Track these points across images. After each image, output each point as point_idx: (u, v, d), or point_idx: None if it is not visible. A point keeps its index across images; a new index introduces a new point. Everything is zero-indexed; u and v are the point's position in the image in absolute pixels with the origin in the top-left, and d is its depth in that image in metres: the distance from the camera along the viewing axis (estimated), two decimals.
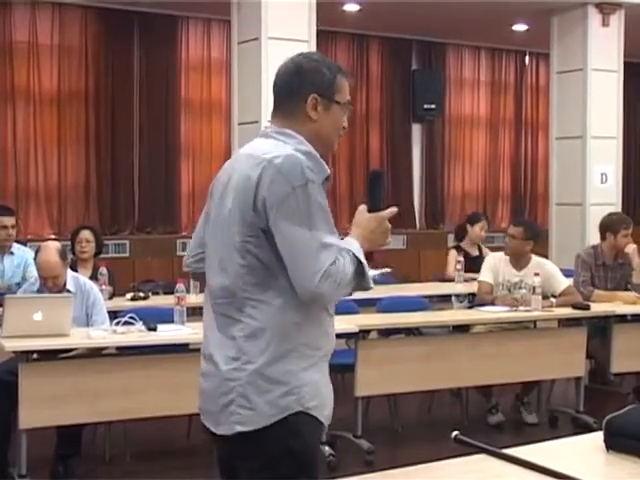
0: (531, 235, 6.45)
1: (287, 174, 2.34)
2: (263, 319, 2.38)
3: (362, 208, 2.53)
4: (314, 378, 2.44)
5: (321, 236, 2.32)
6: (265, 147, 2.45)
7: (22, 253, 6.76)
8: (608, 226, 6.81)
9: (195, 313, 5.55)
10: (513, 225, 6.66)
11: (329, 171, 2.45)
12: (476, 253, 7.90)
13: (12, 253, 6.73)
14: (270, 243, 2.36)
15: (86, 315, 5.35)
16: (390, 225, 2.55)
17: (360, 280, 2.38)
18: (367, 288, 2.43)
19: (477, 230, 7.95)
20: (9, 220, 6.77)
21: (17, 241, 6.95)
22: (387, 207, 2.54)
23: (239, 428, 2.37)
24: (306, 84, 2.50)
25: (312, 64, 2.53)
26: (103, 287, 6.14)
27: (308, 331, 2.43)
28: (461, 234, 8.08)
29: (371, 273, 2.43)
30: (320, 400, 2.45)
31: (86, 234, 6.67)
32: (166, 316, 5.38)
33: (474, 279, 7.12)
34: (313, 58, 2.57)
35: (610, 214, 7.21)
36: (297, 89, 2.51)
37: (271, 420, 2.36)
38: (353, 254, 2.37)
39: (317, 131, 2.52)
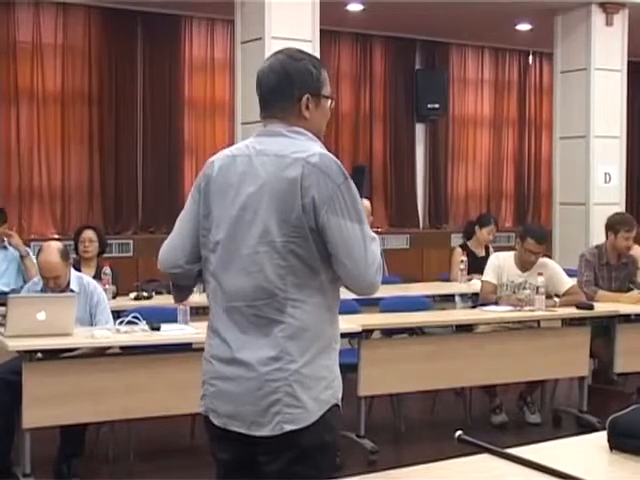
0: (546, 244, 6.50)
1: (329, 172, 2.39)
2: (304, 318, 2.40)
3: None
4: (338, 370, 2.52)
5: (368, 229, 2.42)
6: (288, 146, 2.45)
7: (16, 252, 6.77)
8: (609, 225, 6.79)
9: (198, 313, 5.56)
10: (537, 243, 6.37)
11: None
12: (482, 254, 7.85)
13: (5, 247, 6.72)
14: (316, 242, 2.38)
15: (90, 315, 5.35)
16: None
17: None
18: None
19: (485, 234, 7.93)
20: None
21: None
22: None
23: (288, 427, 2.38)
24: (297, 86, 2.51)
25: (299, 64, 2.53)
26: (107, 286, 6.14)
27: (335, 326, 2.52)
28: (469, 233, 8.06)
29: None
30: (341, 389, 2.53)
31: (89, 234, 6.68)
32: (169, 316, 5.38)
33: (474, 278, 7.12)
34: (297, 57, 2.55)
35: (616, 214, 7.18)
36: (289, 92, 2.51)
37: (317, 416, 2.40)
38: None
39: (311, 127, 2.54)
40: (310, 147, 2.44)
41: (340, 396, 2.50)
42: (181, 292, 2.71)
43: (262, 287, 2.41)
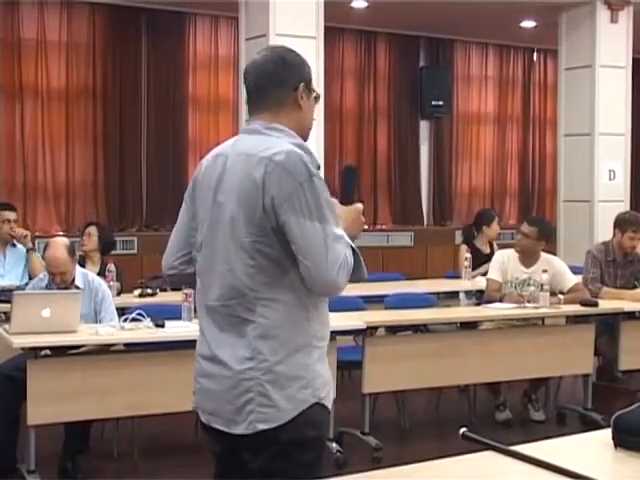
0: (544, 235, 6.44)
1: (292, 170, 2.36)
2: (276, 317, 2.40)
3: (335, 201, 2.54)
4: (323, 368, 2.50)
5: (332, 228, 2.37)
6: (260, 144, 2.45)
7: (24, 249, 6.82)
8: (618, 223, 6.81)
9: None
10: (527, 224, 6.54)
11: (318, 161, 2.50)
12: (488, 251, 7.84)
13: (14, 245, 6.77)
14: (280, 241, 2.38)
15: (94, 312, 5.36)
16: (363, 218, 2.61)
17: (357, 270, 2.42)
18: (363, 278, 2.48)
19: (495, 227, 7.92)
20: (11, 214, 6.83)
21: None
22: (359, 200, 2.63)
23: (261, 426, 2.39)
24: (295, 74, 2.54)
25: (294, 56, 2.57)
26: (111, 283, 6.15)
27: (316, 324, 2.48)
28: (470, 236, 7.99)
29: None
30: (328, 388, 2.52)
31: (90, 229, 6.73)
32: (174, 313, 5.38)
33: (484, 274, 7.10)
34: (291, 50, 2.59)
35: (626, 213, 7.25)
36: (287, 79, 2.53)
37: (291, 415, 2.40)
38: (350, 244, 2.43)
39: (302, 119, 2.56)
40: (280, 144, 2.43)
41: (324, 395, 2.48)
42: None
43: (234, 286, 2.42)
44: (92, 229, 6.73)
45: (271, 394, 2.39)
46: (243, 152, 2.47)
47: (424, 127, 12.75)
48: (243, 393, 2.40)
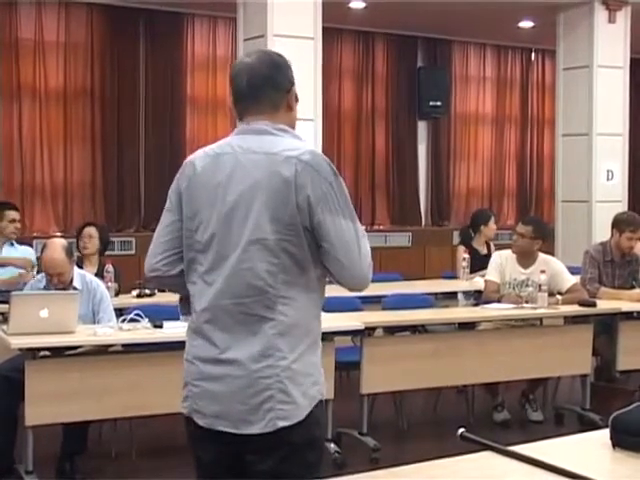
0: (540, 234, 6.43)
1: (320, 170, 2.41)
2: (294, 315, 2.42)
3: None
4: (321, 366, 2.53)
5: (359, 225, 2.46)
6: (275, 144, 2.45)
7: (22, 249, 6.83)
8: (615, 223, 6.82)
9: None
10: (522, 223, 6.58)
11: None
12: (485, 251, 7.84)
13: (12, 244, 6.78)
14: (308, 240, 2.40)
15: (92, 312, 5.35)
16: None
17: None
18: None
19: (492, 226, 7.94)
20: (16, 214, 6.93)
21: (22, 240, 7.01)
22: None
23: (282, 423, 2.38)
24: (286, 77, 2.58)
25: (283, 60, 2.60)
26: (109, 284, 6.14)
27: (320, 323, 2.54)
28: (468, 237, 8.00)
29: None
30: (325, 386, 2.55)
31: (90, 230, 6.69)
32: (172, 313, 5.33)
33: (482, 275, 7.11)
34: (279, 54, 2.63)
35: (624, 213, 7.26)
36: (281, 82, 2.56)
37: (307, 411, 2.42)
38: None
39: (293, 119, 2.61)
40: (299, 145, 2.46)
41: (324, 393, 2.52)
42: (186, 306, 2.68)
43: (252, 284, 2.40)
44: (92, 231, 6.68)
45: (290, 390, 2.39)
46: (261, 151, 2.44)
47: (422, 127, 12.76)
48: (261, 391, 2.38)
